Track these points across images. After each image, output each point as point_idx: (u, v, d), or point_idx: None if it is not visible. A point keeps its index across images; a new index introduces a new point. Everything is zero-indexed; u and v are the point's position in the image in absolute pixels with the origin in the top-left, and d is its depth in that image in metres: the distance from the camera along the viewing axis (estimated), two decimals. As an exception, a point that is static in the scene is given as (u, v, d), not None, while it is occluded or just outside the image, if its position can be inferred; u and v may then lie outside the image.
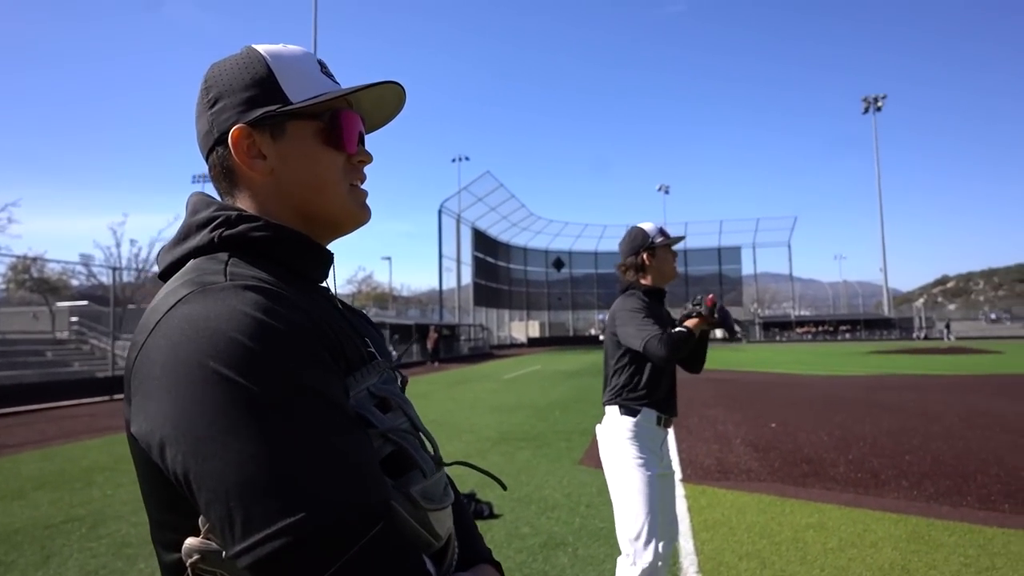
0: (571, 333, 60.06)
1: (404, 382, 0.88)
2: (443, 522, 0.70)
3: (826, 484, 5.19)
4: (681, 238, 2.71)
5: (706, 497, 4.86)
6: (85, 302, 25.74)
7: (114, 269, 19.44)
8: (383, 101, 0.83)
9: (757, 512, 4.43)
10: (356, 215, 0.80)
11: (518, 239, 57.27)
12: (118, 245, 33.99)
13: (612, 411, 2.50)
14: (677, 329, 2.37)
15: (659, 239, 2.65)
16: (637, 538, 2.26)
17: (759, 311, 60.52)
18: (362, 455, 0.59)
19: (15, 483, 5.70)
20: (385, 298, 64.63)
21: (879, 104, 55.20)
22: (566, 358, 30.37)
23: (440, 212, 42.05)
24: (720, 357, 28.19)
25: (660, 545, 2.25)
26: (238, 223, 0.71)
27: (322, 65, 0.80)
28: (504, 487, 0.91)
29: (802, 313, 63.07)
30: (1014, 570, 3.31)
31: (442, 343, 31.26)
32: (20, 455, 7.17)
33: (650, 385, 2.46)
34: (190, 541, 0.59)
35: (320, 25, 26.11)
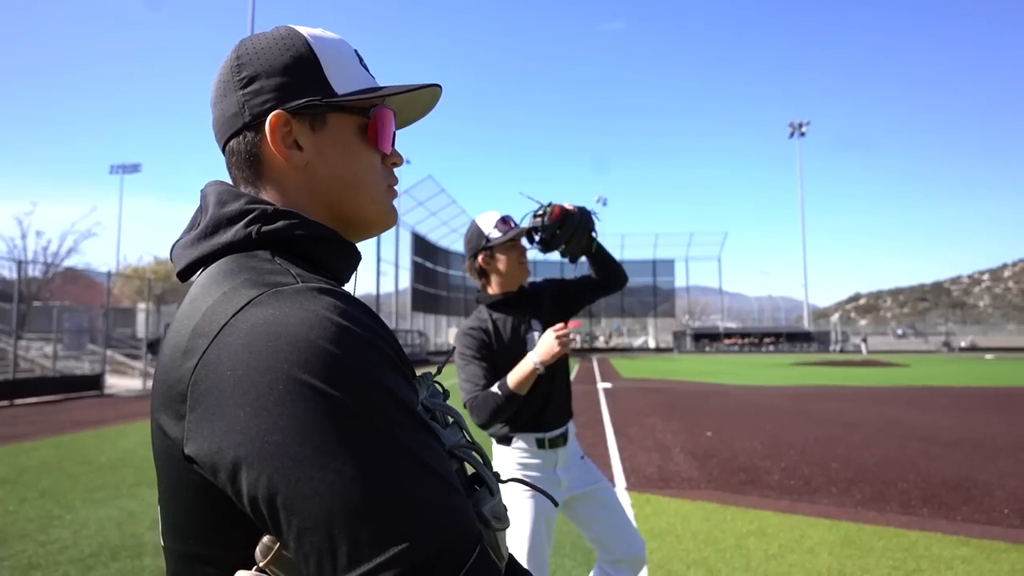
0: (509, 341, 60.24)
1: (446, 395, 0.83)
2: (505, 542, 0.67)
3: (763, 491, 5.37)
4: (525, 231, 2.22)
5: (651, 505, 4.93)
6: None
7: (19, 263, 17.87)
8: (416, 103, 0.79)
9: (700, 520, 4.52)
10: (387, 218, 0.77)
11: (457, 245, 56.96)
12: (24, 236, 31.27)
13: (494, 448, 2.22)
14: (495, 391, 1.99)
15: (495, 236, 2.20)
16: None
17: (690, 322, 62.84)
18: (451, 473, 0.54)
19: None
20: (319, 301, 62.60)
21: (803, 130, 58.77)
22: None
23: (380, 215, 41.27)
24: (653, 367, 29.01)
25: None
26: (276, 218, 0.65)
27: (359, 56, 0.76)
28: (556, 504, 0.85)
29: (730, 325, 65.96)
30: (937, 572, 3.51)
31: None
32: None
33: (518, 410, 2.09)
34: (242, 574, 0.53)
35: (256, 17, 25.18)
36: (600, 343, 62.79)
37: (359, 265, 0.76)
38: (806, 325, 59.95)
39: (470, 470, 0.67)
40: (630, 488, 5.49)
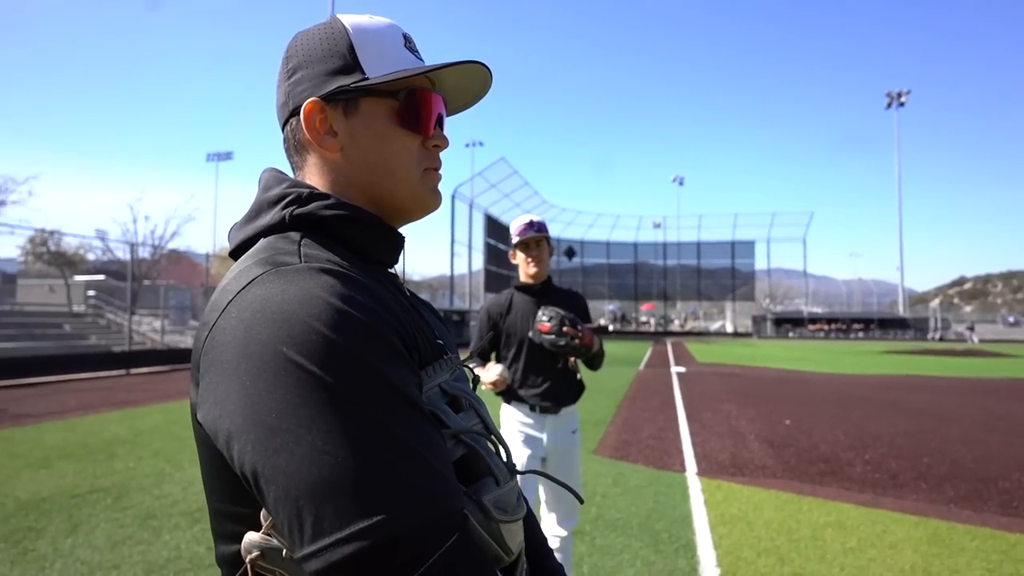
0: (581, 323, 60.00)
1: (476, 380, 0.84)
2: (515, 535, 0.65)
3: (843, 483, 5.16)
4: (537, 238, 2.70)
5: (722, 492, 4.86)
6: (102, 276, 26.06)
7: (131, 245, 19.63)
8: (467, 83, 0.78)
9: (774, 509, 4.42)
10: (426, 202, 0.76)
11: (531, 227, 57.04)
12: (135, 221, 34.35)
13: (502, 406, 2.77)
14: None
15: (516, 238, 2.73)
16: None
17: (771, 306, 60.12)
18: (439, 457, 0.54)
19: (40, 452, 5.80)
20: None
21: (902, 100, 54.21)
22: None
23: (453, 197, 41.98)
24: (730, 352, 28.07)
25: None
26: (309, 201, 0.68)
27: (407, 39, 0.76)
28: (581, 501, 0.86)
29: (815, 310, 62.57)
30: (1038, 577, 3.28)
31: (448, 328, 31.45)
32: (42, 424, 7.30)
33: (520, 379, 2.71)
34: (250, 536, 0.56)
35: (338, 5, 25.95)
36: (675, 326, 61.37)
37: (401, 247, 0.76)
38: (901, 311, 55.85)
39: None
40: (700, 474, 5.42)
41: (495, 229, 48.71)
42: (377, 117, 0.71)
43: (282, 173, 0.75)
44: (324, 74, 0.70)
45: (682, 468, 5.64)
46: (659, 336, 50.74)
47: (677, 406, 9.75)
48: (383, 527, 0.47)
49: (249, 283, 0.57)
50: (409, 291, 0.82)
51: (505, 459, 0.69)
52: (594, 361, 2.83)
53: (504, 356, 2.75)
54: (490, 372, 2.55)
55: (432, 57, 0.78)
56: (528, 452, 2.63)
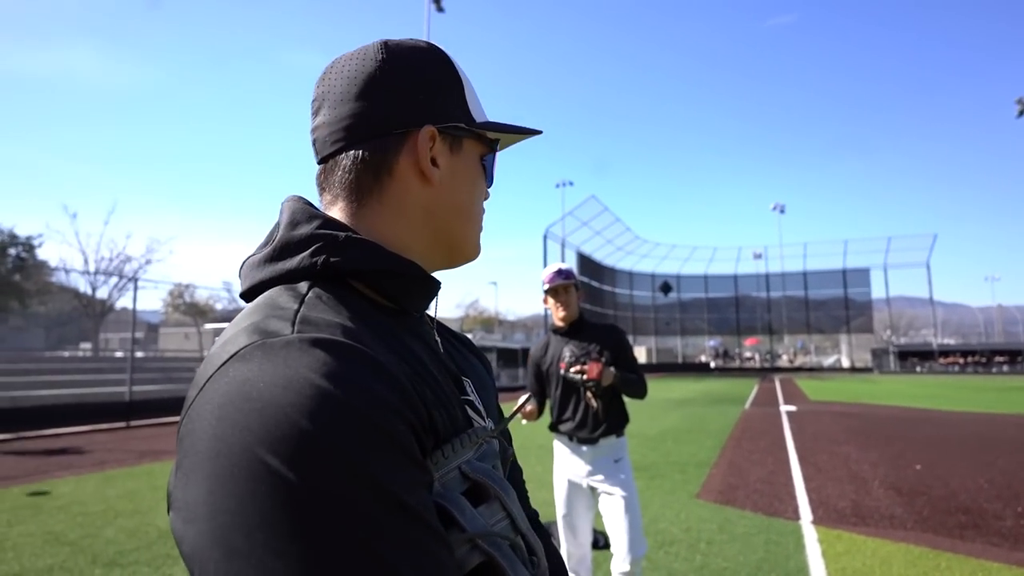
0: (680, 360, 57.93)
1: (509, 455, 0.71)
2: None
3: (990, 539, 4.56)
4: (564, 284, 2.93)
5: (842, 543, 4.45)
6: (227, 324, 28.67)
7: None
8: (506, 141, 0.78)
9: (905, 564, 3.99)
10: (477, 249, 0.75)
11: (623, 263, 56.52)
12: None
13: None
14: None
15: (545, 285, 2.96)
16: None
17: (893, 338, 54.95)
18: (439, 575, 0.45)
19: (175, 486, 6.41)
20: (491, 322, 66.03)
21: (1037, 106, 48.87)
22: (675, 385, 29.24)
23: (545, 237, 42.52)
24: (847, 389, 25.87)
25: (571, 546, 2.82)
26: (347, 247, 0.59)
27: None
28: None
29: (946, 341, 56.42)
30: None
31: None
32: (178, 461, 8.06)
33: (558, 413, 2.97)
34: None
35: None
36: (783, 362, 57.57)
37: (436, 295, 0.68)
38: (1055, 340, 49.03)
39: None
40: (817, 522, 5.01)
41: (588, 267, 48.65)
42: (473, 160, 0.70)
43: (311, 205, 0.64)
44: (442, 104, 0.66)
45: (795, 516, 5.23)
46: (766, 372, 47.78)
47: (788, 447, 9.10)
48: None
49: (230, 358, 0.48)
50: (445, 329, 0.77)
51: (540, 567, 0.58)
52: (628, 390, 2.93)
53: (548, 395, 3.01)
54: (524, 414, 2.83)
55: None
56: (568, 483, 2.87)
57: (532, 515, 0.74)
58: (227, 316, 35.81)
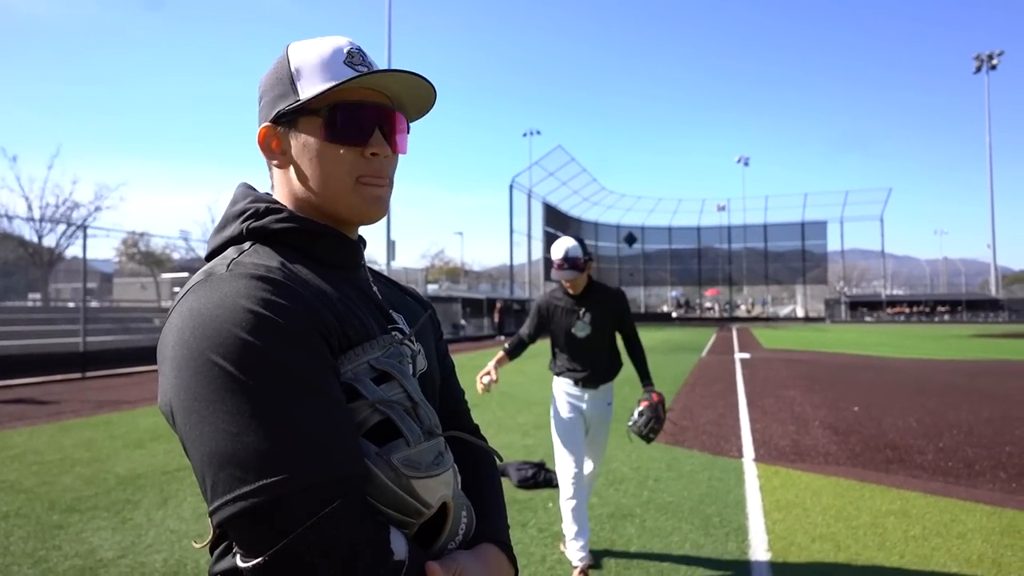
0: (643, 310, 59.13)
1: (443, 354, 0.97)
2: (433, 490, 0.70)
3: (911, 471, 4.96)
4: (572, 272, 3.11)
5: (779, 478, 4.78)
6: (185, 274, 27.91)
7: (210, 243, 20.87)
8: (415, 90, 0.82)
9: (834, 495, 4.32)
10: (360, 211, 0.80)
11: (589, 214, 56.59)
12: (213, 221, 36.64)
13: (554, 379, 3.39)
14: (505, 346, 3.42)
15: (553, 267, 3.20)
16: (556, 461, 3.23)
17: (846, 289, 57.14)
18: (333, 430, 0.64)
19: (135, 434, 6.39)
20: (457, 272, 65.85)
21: (994, 62, 49.86)
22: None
23: (511, 187, 42.12)
24: (799, 337, 26.97)
25: (570, 465, 3.11)
26: (265, 215, 0.79)
27: (351, 55, 0.79)
28: (500, 458, 0.92)
29: (895, 292, 58.97)
30: (1123, 571, 3.08)
31: (508, 317, 31.86)
32: (136, 410, 7.99)
33: (566, 361, 3.30)
34: None
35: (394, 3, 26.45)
36: (741, 312, 59.40)
37: (357, 251, 0.86)
38: (993, 291, 51.71)
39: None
40: (758, 459, 5.34)
41: (554, 217, 48.57)
42: (310, 134, 0.78)
43: (251, 188, 0.86)
44: (272, 100, 0.80)
45: (739, 454, 5.56)
46: (724, 322, 49.30)
47: (739, 392, 9.54)
48: (267, 490, 0.58)
49: (187, 291, 0.69)
50: (384, 278, 0.95)
51: (426, 423, 0.73)
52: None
53: (553, 344, 3.35)
54: (481, 383, 3.13)
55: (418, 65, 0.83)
56: (572, 415, 3.23)
57: (472, 428, 0.99)
58: (185, 266, 34.78)
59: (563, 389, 3.28)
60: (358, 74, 0.77)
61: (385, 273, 0.95)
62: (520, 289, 44.31)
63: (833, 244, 56.83)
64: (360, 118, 0.78)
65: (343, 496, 0.62)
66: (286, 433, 0.61)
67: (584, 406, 3.25)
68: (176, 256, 40.29)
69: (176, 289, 24.34)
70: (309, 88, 0.77)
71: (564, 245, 3.15)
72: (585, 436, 3.28)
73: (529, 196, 44.18)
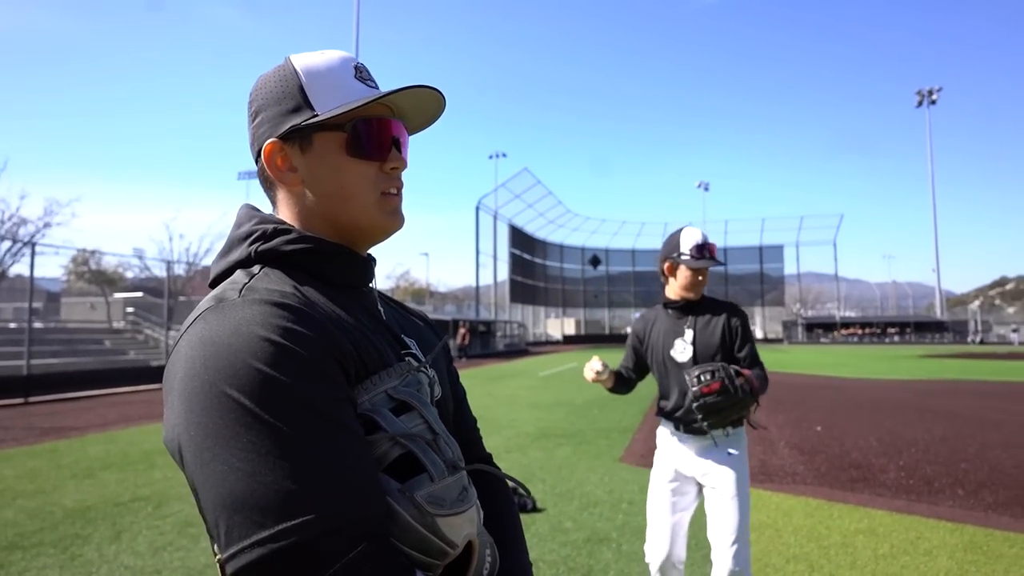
0: (607, 331, 59.64)
1: (454, 379, 0.93)
2: (458, 528, 0.65)
3: (876, 490, 5.07)
4: (715, 262, 2.48)
5: (750, 499, 4.81)
6: (140, 294, 26.92)
7: (167, 262, 20.24)
8: (423, 103, 0.81)
9: (804, 516, 4.37)
10: (384, 224, 0.80)
11: (555, 236, 57.16)
12: (170, 239, 35.51)
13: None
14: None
15: (685, 257, 2.48)
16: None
17: (802, 311, 58.92)
18: (356, 466, 0.59)
19: (84, 463, 6.04)
20: (422, 294, 65.34)
21: (934, 97, 52.91)
22: (603, 356, 29.74)
23: (477, 209, 42.30)
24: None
25: (658, 550, 2.46)
26: (273, 236, 0.75)
27: (359, 70, 0.80)
28: (528, 493, 0.90)
29: (847, 314, 61.08)
30: (1080, 584, 3.19)
31: (474, 339, 31.68)
32: (86, 437, 7.58)
33: (660, 397, 2.61)
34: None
35: (362, 22, 26.52)
36: (703, 333, 60.41)
37: (369, 269, 0.82)
38: (938, 313, 54.16)
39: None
40: (729, 481, 5.37)
41: (520, 239, 48.88)
42: (329, 150, 0.76)
43: (256, 209, 0.81)
44: (280, 115, 0.76)
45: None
46: (687, 343, 50.02)
47: (705, 413, 9.64)
48: (289, 534, 0.54)
49: (196, 318, 0.65)
50: (394, 302, 0.91)
51: (448, 456, 0.69)
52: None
53: (656, 376, 2.62)
54: (589, 366, 2.55)
55: (424, 76, 0.80)
56: (663, 472, 2.52)
57: (485, 457, 0.93)
58: (139, 285, 33.54)
59: (663, 437, 2.58)
60: (389, 91, 0.76)
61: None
62: (486, 311, 44.17)
63: (790, 268, 58.80)
64: (380, 133, 0.78)
65: (370, 538, 0.57)
66: (308, 472, 0.57)
67: (689, 461, 2.46)
68: (130, 275, 38.81)
69: (129, 310, 23.42)
70: (326, 103, 0.75)
71: (696, 229, 2.53)
72: (692, 505, 2.51)
73: (495, 218, 44.43)
